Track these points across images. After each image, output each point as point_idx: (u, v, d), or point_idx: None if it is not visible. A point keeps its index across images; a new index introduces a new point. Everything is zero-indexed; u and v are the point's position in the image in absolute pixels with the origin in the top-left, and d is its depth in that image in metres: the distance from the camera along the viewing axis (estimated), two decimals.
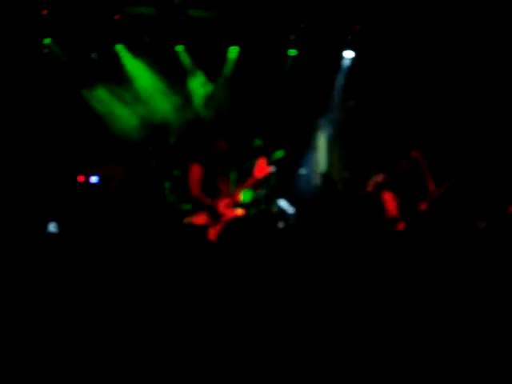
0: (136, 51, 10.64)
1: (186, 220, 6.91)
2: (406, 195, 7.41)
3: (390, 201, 7.39)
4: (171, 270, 5.76)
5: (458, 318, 4.46)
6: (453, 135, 10.14)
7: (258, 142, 9.81)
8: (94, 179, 9.64)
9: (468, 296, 4.91)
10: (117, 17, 9.87)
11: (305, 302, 4.87)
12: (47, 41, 10.15)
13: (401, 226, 7.28)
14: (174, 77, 10.89)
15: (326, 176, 11.33)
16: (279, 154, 9.59)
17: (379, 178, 7.76)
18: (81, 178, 9.63)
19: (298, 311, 4.66)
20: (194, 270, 5.79)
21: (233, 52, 11.03)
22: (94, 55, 10.52)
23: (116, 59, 10.61)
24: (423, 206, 7.34)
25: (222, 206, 7.04)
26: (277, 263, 6.19)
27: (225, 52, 11.07)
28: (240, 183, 7.66)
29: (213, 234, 6.80)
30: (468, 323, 4.35)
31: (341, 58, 11.57)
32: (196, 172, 7.08)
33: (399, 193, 7.45)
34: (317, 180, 12.01)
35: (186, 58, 10.88)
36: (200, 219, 6.86)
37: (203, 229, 6.81)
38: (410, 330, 4.26)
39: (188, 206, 8.24)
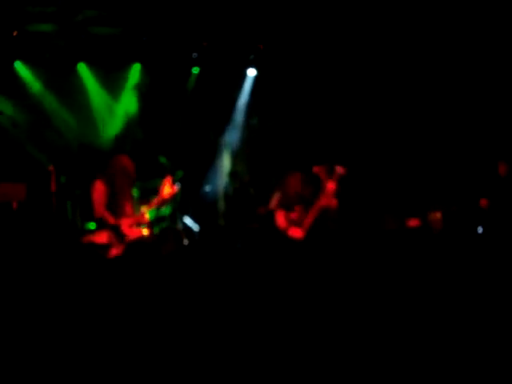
0: (36, 68, 10.42)
1: (88, 239, 6.77)
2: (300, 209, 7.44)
3: (281, 217, 7.44)
4: (72, 289, 5.65)
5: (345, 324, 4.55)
6: (356, 151, 10.36)
7: (162, 160, 9.76)
8: None
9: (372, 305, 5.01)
10: (15, 33, 9.64)
11: (215, 319, 4.86)
12: None
13: (296, 239, 7.29)
14: (75, 93, 10.71)
15: (232, 193, 11.40)
16: (179, 173, 9.59)
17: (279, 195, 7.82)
18: None
19: (209, 329, 4.65)
20: (97, 290, 5.70)
21: (136, 69, 10.97)
22: None
23: (15, 76, 10.36)
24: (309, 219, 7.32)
25: (126, 225, 6.95)
26: (183, 279, 6.17)
27: (127, 69, 10.99)
28: (145, 202, 7.60)
29: (115, 253, 6.70)
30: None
31: (244, 76, 11.70)
32: (99, 189, 6.97)
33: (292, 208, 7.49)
34: (221, 197, 12.05)
35: (87, 75, 10.73)
36: (102, 238, 6.74)
37: (105, 248, 6.70)
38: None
39: (91, 225, 8.10)
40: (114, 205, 6.98)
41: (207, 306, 5.21)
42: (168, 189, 7.31)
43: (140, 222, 7.22)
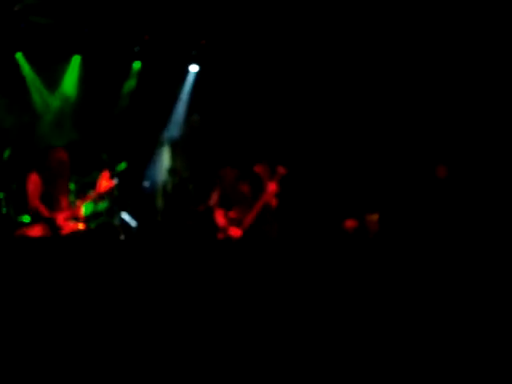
0: None
1: (21, 232, 6.64)
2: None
3: (220, 216, 7.44)
4: (5, 283, 5.53)
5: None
6: (297, 150, 10.39)
7: (102, 155, 9.64)
8: None
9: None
10: None
11: (154, 316, 4.83)
12: None
13: (233, 238, 7.27)
14: (11, 84, 10.48)
15: (171, 189, 11.34)
16: (122, 166, 9.49)
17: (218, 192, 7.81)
18: None
19: (148, 328, 4.61)
20: (29, 285, 5.59)
21: (76, 61, 10.79)
22: None
23: None
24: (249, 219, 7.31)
25: (62, 218, 6.83)
26: (118, 275, 6.10)
27: (67, 60, 10.80)
28: (81, 196, 7.50)
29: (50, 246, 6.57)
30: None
31: (186, 71, 11.64)
32: (34, 182, 6.83)
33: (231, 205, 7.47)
34: (160, 193, 11.97)
35: (25, 66, 10.50)
36: (36, 231, 6.61)
37: (39, 242, 6.57)
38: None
39: (26, 218, 7.94)
40: (50, 198, 6.86)
41: (142, 301, 5.16)
42: (105, 183, 7.22)
43: (76, 216, 7.12)
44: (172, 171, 11.67)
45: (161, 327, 4.54)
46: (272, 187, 7.17)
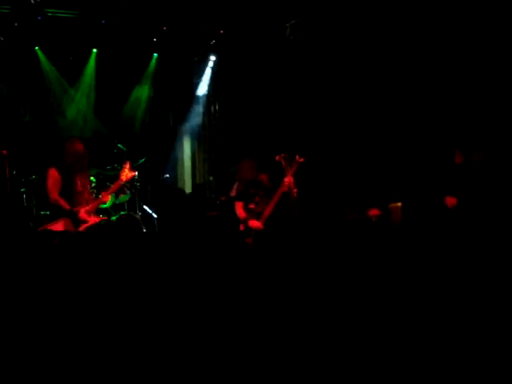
0: None
1: (44, 226, 6.61)
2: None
3: (239, 208, 7.40)
4: (29, 278, 5.51)
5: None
6: (318, 140, 10.30)
7: (120, 146, 9.64)
8: None
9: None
10: None
11: (173, 308, 4.79)
12: None
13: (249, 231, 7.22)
14: (31, 77, 10.49)
15: (191, 179, 11.33)
16: (141, 160, 9.53)
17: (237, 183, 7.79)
18: None
19: (168, 318, 4.58)
20: (53, 279, 5.57)
21: (93, 54, 10.78)
22: None
23: None
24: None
25: (83, 212, 6.79)
26: (142, 267, 6.08)
27: (85, 53, 10.79)
28: (103, 188, 7.47)
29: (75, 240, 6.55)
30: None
31: (205, 61, 11.58)
32: (53, 176, 6.79)
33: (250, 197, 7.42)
34: (181, 185, 11.96)
35: (43, 59, 10.50)
36: (59, 226, 6.57)
37: (62, 235, 6.54)
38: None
39: (47, 212, 7.94)
40: (70, 192, 6.81)
41: (166, 294, 5.13)
42: (127, 173, 7.17)
43: (101, 204, 7.18)
44: (193, 163, 11.68)
45: (182, 318, 4.51)
46: (287, 180, 7.12)
